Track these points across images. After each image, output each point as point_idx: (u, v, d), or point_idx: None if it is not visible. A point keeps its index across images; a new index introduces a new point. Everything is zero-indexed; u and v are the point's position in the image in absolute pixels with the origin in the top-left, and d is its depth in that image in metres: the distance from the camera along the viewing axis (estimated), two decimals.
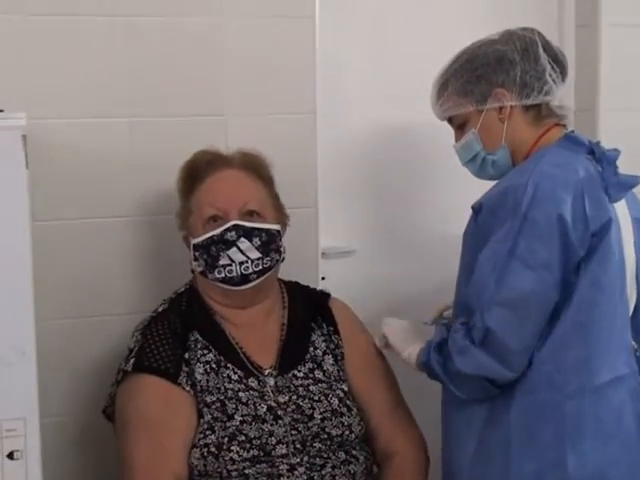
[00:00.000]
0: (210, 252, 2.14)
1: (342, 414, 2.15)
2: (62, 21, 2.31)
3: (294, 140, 2.56)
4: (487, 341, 1.93)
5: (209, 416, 2.07)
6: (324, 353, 2.24)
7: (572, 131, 2.14)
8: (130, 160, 2.41)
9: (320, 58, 2.56)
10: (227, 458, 2.04)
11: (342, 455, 2.13)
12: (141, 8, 2.38)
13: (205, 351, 2.14)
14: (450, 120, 2.19)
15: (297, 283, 2.37)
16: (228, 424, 2.06)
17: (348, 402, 2.18)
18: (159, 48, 2.41)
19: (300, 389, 2.16)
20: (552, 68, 2.09)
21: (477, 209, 2.02)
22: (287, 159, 2.50)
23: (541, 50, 2.09)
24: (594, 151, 2.04)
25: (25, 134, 1.80)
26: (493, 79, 2.09)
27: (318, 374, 2.20)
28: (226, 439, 2.05)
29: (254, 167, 2.25)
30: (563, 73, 2.12)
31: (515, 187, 1.96)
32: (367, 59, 2.76)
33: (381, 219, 2.87)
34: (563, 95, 2.15)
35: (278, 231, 2.20)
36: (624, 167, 2.04)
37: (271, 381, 2.16)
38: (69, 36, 2.33)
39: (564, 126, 2.14)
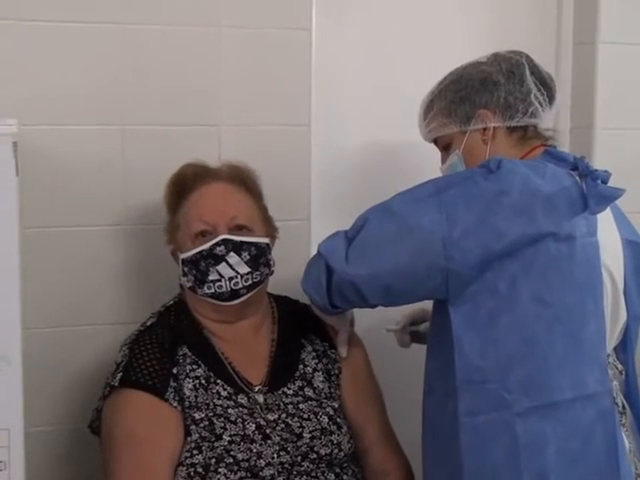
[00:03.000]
0: (199, 267, 2.11)
1: (332, 432, 2.12)
2: (54, 27, 2.30)
3: (288, 152, 2.55)
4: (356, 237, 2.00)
5: (197, 435, 2.04)
6: (314, 370, 2.20)
7: (554, 146, 2.10)
8: (122, 168, 2.39)
9: (316, 70, 2.56)
10: None
11: (331, 476, 2.11)
12: (136, 16, 2.36)
13: (194, 366, 2.11)
14: (436, 142, 2.17)
15: (287, 297, 2.34)
16: (216, 444, 2.03)
17: (338, 420, 2.16)
18: (154, 56, 2.40)
19: (289, 407, 2.13)
20: (539, 91, 2.06)
21: None
22: (280, 171, 2.49)
23: (528, 72, 2.06)
24: (578, 166, 1.98)
25: (16, 141, 1.79)
26: (476, 100, 2.07)
27: (308, 391, 2.17)
28: (213, 460, 2.02)
29: (242, 180, 2.22)
30: (550, 97, 2.09)
31: None
32: (363, 72, 2.74)
33: None
34: (550, 119, 2.11)
35: (267, 244, 2.17)
36: (619, 186, 2.01)
37: (260, 398, 2.13)
38: (61, 43, 2.31)
39: (551, 147, 2.09)
